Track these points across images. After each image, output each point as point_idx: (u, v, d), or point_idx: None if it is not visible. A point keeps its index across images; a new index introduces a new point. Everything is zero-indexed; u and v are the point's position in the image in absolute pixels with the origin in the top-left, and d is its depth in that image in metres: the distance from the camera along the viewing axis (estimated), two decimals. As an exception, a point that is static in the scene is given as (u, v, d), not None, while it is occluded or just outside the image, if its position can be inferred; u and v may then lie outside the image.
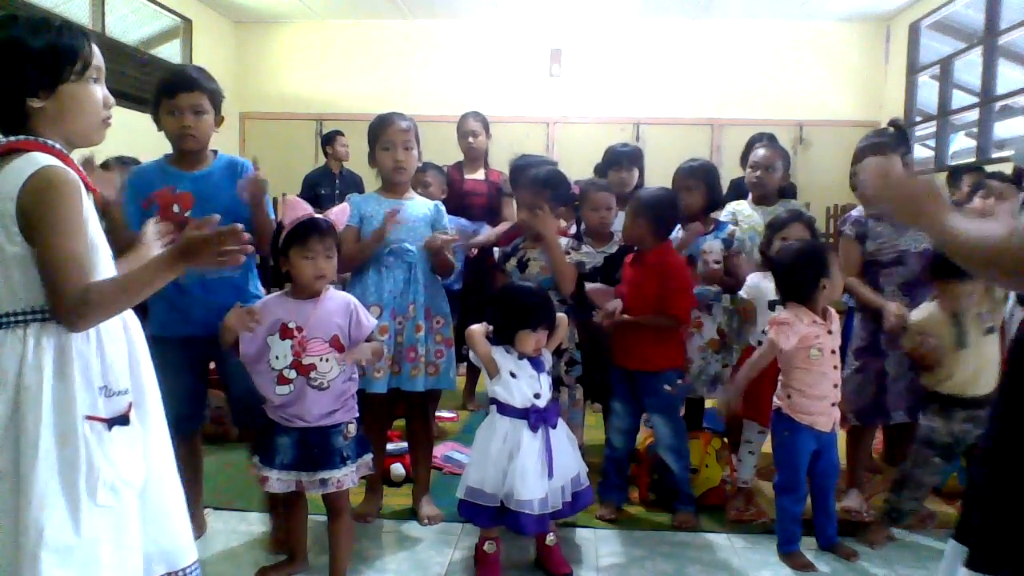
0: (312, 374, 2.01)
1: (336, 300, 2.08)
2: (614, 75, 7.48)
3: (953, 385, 2.40)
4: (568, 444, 2.30)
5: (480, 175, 3.83)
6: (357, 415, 2.11)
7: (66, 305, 1.29)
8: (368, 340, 2.11)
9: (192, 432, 2.39)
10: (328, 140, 5.70)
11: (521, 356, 2.22)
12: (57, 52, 1.35)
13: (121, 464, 1.36)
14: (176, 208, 2.20)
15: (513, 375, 2.20)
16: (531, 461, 2.15)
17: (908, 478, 2.47)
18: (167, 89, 2.21)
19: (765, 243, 2.77)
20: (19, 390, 1.29)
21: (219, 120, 2.30)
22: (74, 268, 1.30)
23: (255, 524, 2.52)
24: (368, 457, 2.13)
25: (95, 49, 1.42)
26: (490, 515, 2.19)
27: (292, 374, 2.00)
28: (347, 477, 2.04)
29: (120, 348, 1.41)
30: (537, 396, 2.20)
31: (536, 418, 2.18)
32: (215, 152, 2.34)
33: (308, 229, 2.01)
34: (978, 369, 2.38)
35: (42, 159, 1.31)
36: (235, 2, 7.24)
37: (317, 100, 7.41)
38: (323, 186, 5.42)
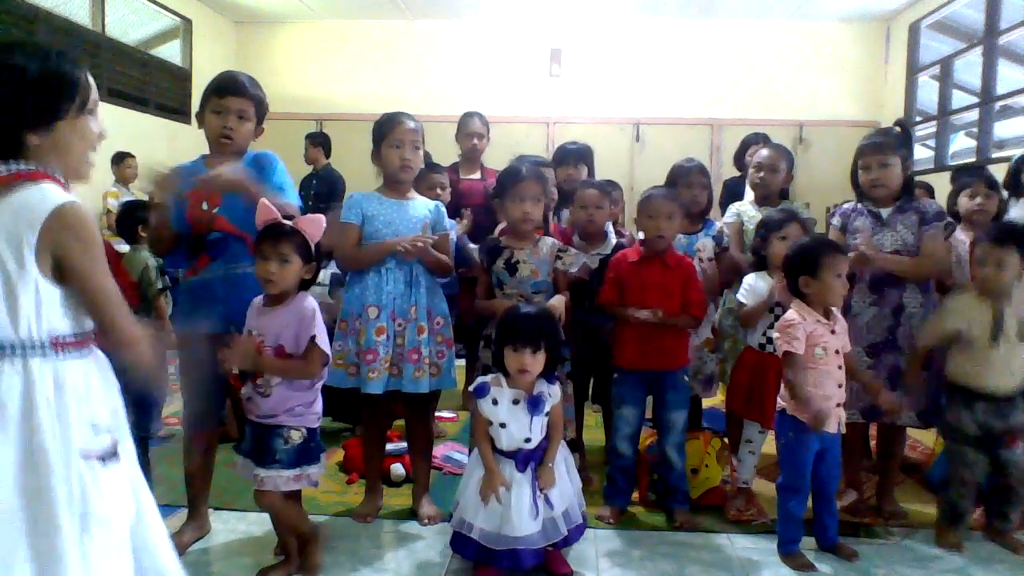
0: (258, 380, 2.04)
1: (293, 308, 2.06)
2: (614, 75, 7.48)
3: (977, 380, 2.44)
4: (564, 475, 2.26)
5: (477, 175, 3.85)
6: (311, 426, 2.10)
7: (125, 338, 1.35)
8: (310, 348, 2.04)
9: (209, 429, 2.41)
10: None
11: (516, 401, 2.17)
12: (55, 89, 1.33)
13: (113, 498, 1.35)
14: (204, 205, 2.24)
15: (503, 425, 2.17)
16: (523, 499, 2.13)
17: (951, 476, 2.53)
18: (217, 89, 2.26)
19: (760, 243, 2.77)
20: (21, 425, 1.27)
21: (259, 131, 2.34)
22: (123, 304, 1.36)
23: (255, 524, 2.52)
24: (311, 469, 2.09)
25: (91, 81, 1.40)
26: (474, 548, 2.17)
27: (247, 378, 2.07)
28: (270, 479, 2.03)
29: (100, 385, 1.40)
30: (527, 440, 2.18)
31: (524, 462, 2.17)
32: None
33: (263, 233, 2.02)
34: (1006, 368, 2.42)
35: (59, 193, 1.30)
36: (235, 2, 7.24)
37: (317, 100, 7.42)
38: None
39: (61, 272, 1.30)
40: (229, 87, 2.26)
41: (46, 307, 1.30)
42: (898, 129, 2.81)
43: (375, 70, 7.62)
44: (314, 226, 2.08)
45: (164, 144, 6.35)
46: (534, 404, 2.16)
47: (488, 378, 2.24)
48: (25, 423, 1.26)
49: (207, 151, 2.35)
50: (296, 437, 2.06)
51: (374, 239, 2.48)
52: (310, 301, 2.08)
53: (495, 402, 2.17)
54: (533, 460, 2.18)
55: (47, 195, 1.29)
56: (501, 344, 2.19)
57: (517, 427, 2.16)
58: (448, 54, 7.59)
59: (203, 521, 2.44)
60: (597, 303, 2.70)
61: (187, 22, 7.08)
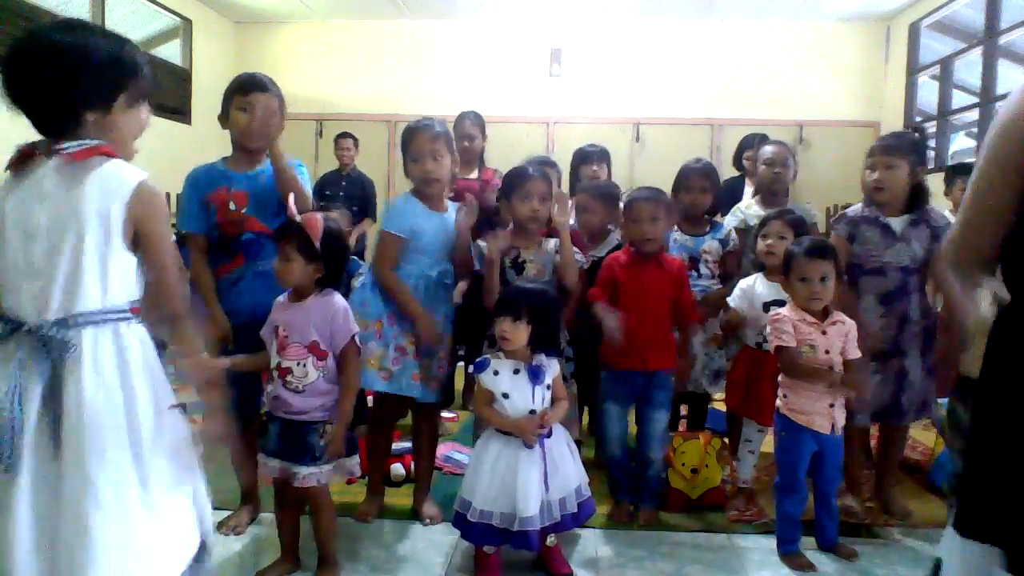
0: (288, 377, 2.05)
1: (321, 304, 2.07)
2: (614, 75, 7.47)
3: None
4: (568, 452, 2.28)
5: (474, 175, 3.82)
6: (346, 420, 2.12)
7: (176, 309, 1.46)
8: (349, 347, 2.08)
9: (249, 421, 2.42)
10: (334, 141, 5.72)
11: (516, 370, 2.18)
12: (119, 71, 1.41)
13: (187, 444, 1.50)
14: (232, 206, 2.31)
15: (506, 395, 2.17)
16: (532, 477, 2.13)
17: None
18: (242, 87, 2.34)
19: (753, 243, 2.76)
20: (120, 386, 1.37)
21: (282, 127, 2.39)
22: (181, 280, 1.50)
23: (255, 524, 2.53)
24: (349, 462, 2.12)
25: (148, 73, 1.49)
26: (483, 532, 2.17)
27: (275, 374, 2.07)
28: (312, 476, 2.05)
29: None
30: (532, 412, 2.18)
31: None
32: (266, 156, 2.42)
33: (276, 231, 2.11)
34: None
35: (134, 170, 1.40)
36: (235, 2, 7.24)
37: (317, 100, 7.40)
38: (328, 187, 5.42)
39: (136, 243, 1.42)
40: (253, 84, 2.34)
41: (127, 276, 1.42)
42: (916, 135, 2.77)
43: (375, 70, 7.62)
44: (312, 225, 2.08)
45: (163, 144, 6.34)
46: (535, 373, 2.18)
47: (488, 354, 2.29)
48: (123, 384, 1.38)
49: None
50: (331, 431, 2.07)
51: (410, 249, 2.48)
52: (338, 299, 2.11)
53: (496, 373, 2.19)
54: (541, 437, 2.18)
55: (126, 172, 1.39)
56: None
57: (520, 397, 2.17)
58: (448, 54, 7.59)
59: (257, 504, 2.55)
60: (587, 299, 2.69)
61: (187, 22, 7.07)
